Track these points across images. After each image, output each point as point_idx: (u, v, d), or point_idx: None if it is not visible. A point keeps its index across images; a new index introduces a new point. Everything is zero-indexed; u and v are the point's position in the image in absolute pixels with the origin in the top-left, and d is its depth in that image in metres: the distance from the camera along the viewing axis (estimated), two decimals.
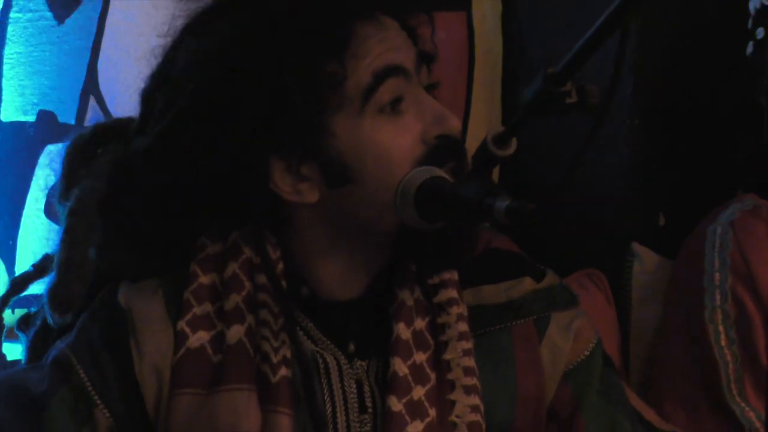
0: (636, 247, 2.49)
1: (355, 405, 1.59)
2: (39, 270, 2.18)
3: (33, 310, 2.05)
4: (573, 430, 1.66)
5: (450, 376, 1.58)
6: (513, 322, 1.65)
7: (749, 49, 2.41)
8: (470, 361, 1.58)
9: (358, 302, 1.60)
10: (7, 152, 3.10)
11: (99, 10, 3.03)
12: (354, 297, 1.60)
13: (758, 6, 2.40)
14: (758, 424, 2.15)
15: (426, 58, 1.61)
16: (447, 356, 1.58)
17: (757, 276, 2.21)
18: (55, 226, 2.80)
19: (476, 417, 1.57)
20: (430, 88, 1.61)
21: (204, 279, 1.58)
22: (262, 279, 1.56)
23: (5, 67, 3.10)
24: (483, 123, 2.75)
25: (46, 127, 3.07)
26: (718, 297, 2.22)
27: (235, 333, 1.55)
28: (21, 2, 3.09)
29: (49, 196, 2.89)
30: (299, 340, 1.57)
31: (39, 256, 2.21)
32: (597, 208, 2.57)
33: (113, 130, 2.00)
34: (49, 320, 1.89)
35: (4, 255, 3.08)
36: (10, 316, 2.45)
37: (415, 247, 1.58)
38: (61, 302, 1.88)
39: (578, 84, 1.43)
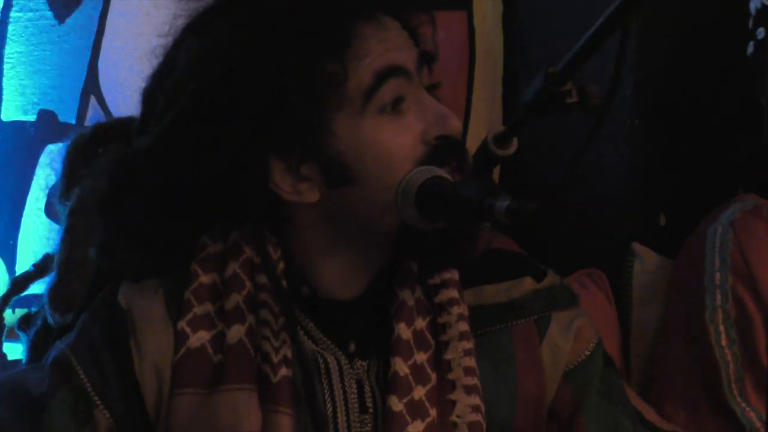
0: (637, 246, 2.49)
1: (356, 405, 1.59)
2: (40, 269, 2.18)
3: (33, 309, 2.05)
4: (573, 430, 1.66)
5: (451, 376, 1.58)
6: (513, 322, 1.65)
7: (750, 49, 2.41)
8: (471, 361, 1.58)
9: (358, 302, 1.60)
10: (7, 152, 3.09)
11: (99, 9, 3.03)
12: (354, 297, 1.60)
13: (759, 6, 2.40)
14: (759, 425, 2.15)
15: (427, 59, 1.61)
16: (448, 356, 1.58)
17: (757, 276, 2.21)
18: (56, 226, 2.79)
19: (477, 417, 1.57)
20: (431, 89, 1.61)
21: (204, 278, 1.58)
22: (262, 279, 1.56)
23: (6, 67, 3.09)
24: (483, 123, 2.75)
25: (46, 127, 3.06)
26: (718, 297, 2.22)
27: (236, 333, 1.55)
28: (21, 1, 3.09)
29: (49, 196, 2.88)
30: (300, 339, 1.57)
31: (39, 256, 2.21)
32: (597, 207, 2.57)
33: (114, 129, 2.00)
34: (50, 320, 1.89)
35: (4, 255, 3.08)
36: (11, 316, 2.45)
37: (416, 247, 1.58)
38: (62, 302, 1.88)
39: (579, 84, 1.43)
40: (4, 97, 3.09)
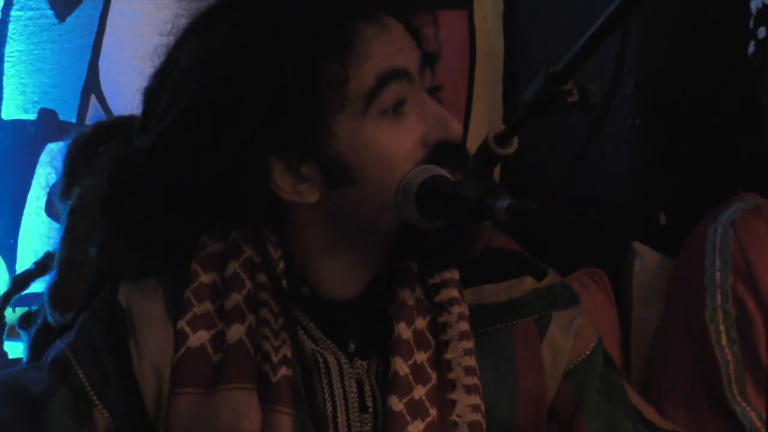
0: (637, 246, 2.49)
1: (356, 404, 1.59)
2: (41, 268, 2.18)
3: (34, 308, 2.05)
4: (574, 429, 1.66)
5: (451, 376, 1.58)
6: (514, 321, 1.65)
7: (750, 48, 2.41)
8: (471, 361, 1.58)
9: (358, 301, 1.60)
10: (8, 150, 3.10)
11: (100, 8, 3.03)
12: (354, 296, 1.60)
13: (759, 5, 2.40)
14: (759, 424, 2.15)
15: (429, 60, 1.61)
16: (448, 356, 1.58)
17: (757, 275, 2.21)
18: (56, 225, 2.80)
19: (477, 416, 1.57)
20: (433, 91, 1.61)
21: (204, 278, 1.58)
22: (262, 278, 1.56)
23: (6, 66, 3.10)
24: (484, 122, 2.75)
25: (47, 126, 3.07)
26: (718, 296, 2.22)
27: (236, 332, 1.55)
28: (22, 0, 3.09)
29: (50, 195, 2.89)
30: (300, 339, 1.57)
31: (40, 255, 2.21)
32: (598, 207, 2.57)
33: (114, 128, 2.00)
34: (49, 319, 1.89)
35: (5, 253, 3.08)
36: (11, 315, 2.45)
37: (416, 246, 1.58)
38: (62, 301, 1.88)
39: (579, 83, 1.43)
40: (4, 95, 3.10)
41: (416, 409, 1.55)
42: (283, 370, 1.53)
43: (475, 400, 1.57)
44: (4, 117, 3.10)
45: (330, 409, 1.57)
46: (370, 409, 1.59)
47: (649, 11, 2.47)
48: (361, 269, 1.60)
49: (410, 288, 1.60)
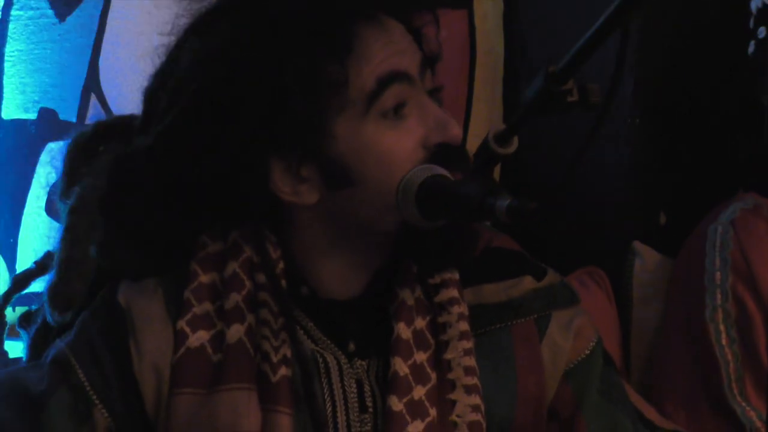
0: (637, 245, 2.49)
1: (356, 404, 1.59)
2: (41, 267, 2.19)
3: (34, 307, 2.05)
4: (573, 429, 1.66)
5: (451, 376, 1.58)
6: (513, 321, 1.65)
7: (750, 48, 2.41)
8: (471, 361, 1.58)
9: (358, 301, 1.60)
10: (8, 150, 3.10)
11: (100, 8, 3.03)
12: (354, 296, 1.60)
13: (760, 5, 2.40)
14: (759, 424, 2.15)
15: (430, 62, 1.61)
16: (448, 356, 1.58)
17: (757, 275, 2.21)
18: (57, 224, 2.80)
19: (477, 416, 1.57)
20: (434, 92, 1.61)
21: (204, 278, 1.58)
22: (262, 278, 1.56)
23: (6, 65, 3.10)
24: (484, 122, 2.75)
25: (47, 125, 3.07)
26: (718, 296, 2.22)
27: (235, 332, 1.55)
28: (22, 0, 3.09)
29: (50, 194, 2.88)
30: (299, 339, 1.57)
31: (40, 254, 2.21)
32: (598, 206, 2.57)
33: (114, 127, 2.00)
34: (49, 318, 1.89)
35: (5, 253, 3.08)
36: (11, 314, 2.45)
37: (416, 246, 1.58)
38: (61, 301, 1.88)
39: (579, 83, 1.43)
40: (4, 95, 3.10)
41: (416, 409, 1.55)
42: (283, 370, 1.53)
43: (475, 400, 1.57)
44: (4, 116, 3.10)
45: (330, 409, 1.57)
46: (370, 409, 1.59)
47: (649, 11, 2.47)
48: (360, 269, 1.60)
49: (410, 288, 1.60)
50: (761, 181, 2.35)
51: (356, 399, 1.59)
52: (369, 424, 1.58)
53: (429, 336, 1.60)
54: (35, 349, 1.95)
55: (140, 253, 1.61)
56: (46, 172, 3.02)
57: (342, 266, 1.59)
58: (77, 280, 1.89)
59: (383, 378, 1.58)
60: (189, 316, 1.57)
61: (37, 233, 3.04)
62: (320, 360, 1.59)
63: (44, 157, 3.06)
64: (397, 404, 1.54)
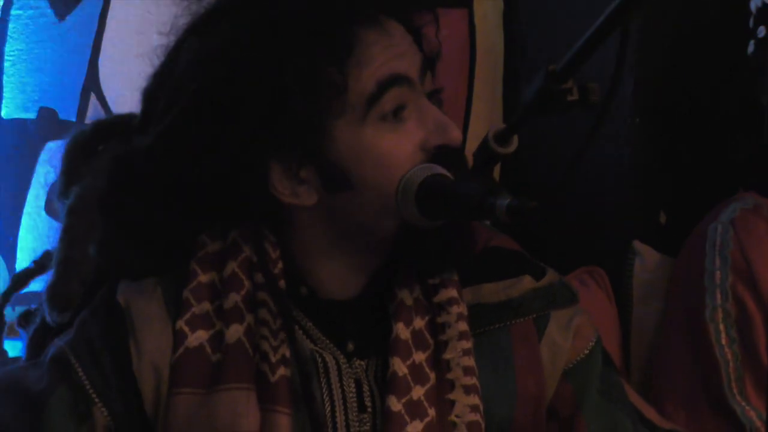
0: (637, 245, 2.49)
1: (354, 404, 1.59)
2: (40, 266, 2.18)
3: (33, 306, 2.05)
4: (573, 428, 1.66)
5: (449, 376, 1.58)
6: (512, 320, 1.65)
7: (750, 47, 2.41)
8: (470, 361, 1.58)
9: (357, 301, 1.60)
10: (7, 149, 3.10)
11: (100, 7, 3.03)
12: (353, 296, 1.60)
13: (759, 4, 2.40)
14: (759, 424, 2.15)
15: (430, 64, 1.61)
16: (447, 356, 1.58)
17: (757, 275, 2.21)
18: (56, 223, 2.80)
19: (476, 416, 1.57)
20: (434, 94, 1.61)
21: (203, 277, 1.58)
22: (261, 278, 1.56)
23: (6, 64, 3.10)
24: (484, 121, 2.75)
25: (46, 124, 3.07)
26: (718, 296, 2.22)
27: (234, 332, 1.54)
28: None
29: (49, 193, 2.88)
30: (298, 339, 1.57)
31: (39, 254, 2.21)
32: (598, 206, 2.57)
33: (114, 127, 2.00)
34: (48, 318, 1.89)
35: (4, 252, 3.08)
36: (11, 314, 2.44)
37: (416, 246, 1.57)
38: (60, 300, 1.88)
39: (579, 82, 1.43)
40: (4, 94, 3.10)
41: (415, 409, 1.54)
42: (282, 370, 1.53)
43: (474, 400, 1.57)
44: (4, 116, 3.10)
45: (329, 409, 1.57)
46: (369, 409, 1.59)
47: (649, 11, 2.47)
48: (360, 269, 1.60)
49: (409, 288, 1.60)
50: (761, 181, 2.35)
51: (355, 399, 1.59)
52: (368, 424, 1.58)
53: (428, 336, 1.59)
54: (34, 348, 1.95)
55: (139, 252, 1.61)
56: (45, 172, 3.02)
57: (341, 266, 1.59)
58: (76, 280, 1.89)
59: (382, 378, 1.58)
60: (188, 315, 1.56)
61: (37, 232, 3.04)
62: (319, 360, 1.59)
63: (44, 157, 3.06)
64: (395, 404, 1.54)
